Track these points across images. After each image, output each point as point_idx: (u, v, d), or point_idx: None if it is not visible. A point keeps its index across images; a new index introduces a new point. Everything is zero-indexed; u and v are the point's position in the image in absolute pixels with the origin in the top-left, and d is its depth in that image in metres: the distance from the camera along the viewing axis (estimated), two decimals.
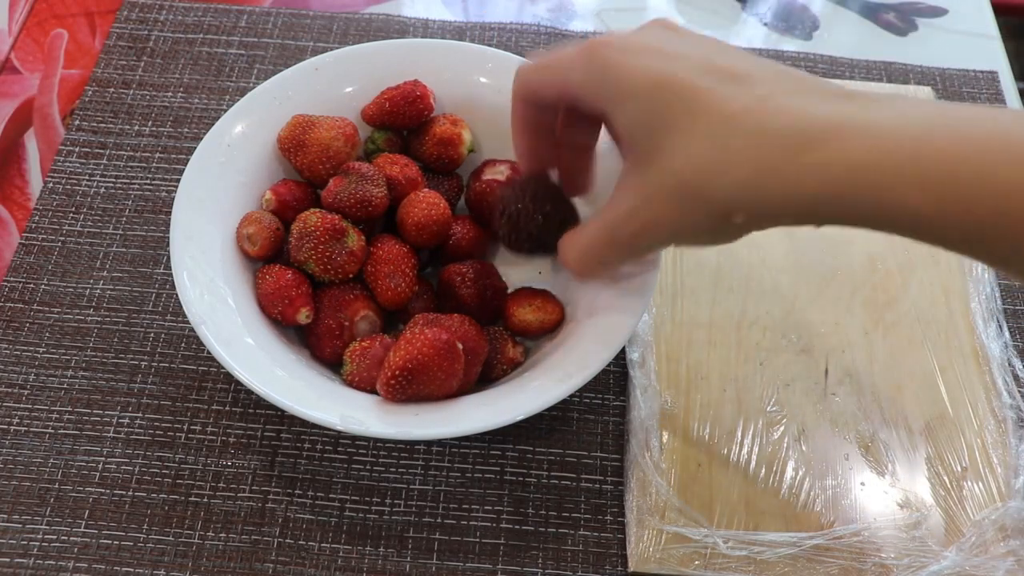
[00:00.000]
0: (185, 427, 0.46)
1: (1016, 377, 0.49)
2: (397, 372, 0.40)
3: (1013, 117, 0.29)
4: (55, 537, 0.43)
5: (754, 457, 0.46)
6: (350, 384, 0.43)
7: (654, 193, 0.33)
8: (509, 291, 0.47)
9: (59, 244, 0.53)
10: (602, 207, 0.36)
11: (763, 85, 0.31)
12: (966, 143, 0.28)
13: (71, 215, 0.54)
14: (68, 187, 0.55)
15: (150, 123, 0.58)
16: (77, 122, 0.58)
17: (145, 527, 0.43)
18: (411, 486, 0.45)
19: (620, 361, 0.49)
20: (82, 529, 0.43)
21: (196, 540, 0.43)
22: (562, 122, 0.41)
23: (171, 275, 0.42)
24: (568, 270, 0.40)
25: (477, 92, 0.51)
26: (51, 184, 0.55)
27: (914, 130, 0.29)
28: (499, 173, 0.48)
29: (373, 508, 0.44)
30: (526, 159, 0.42)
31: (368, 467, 0.46)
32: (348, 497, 0.45)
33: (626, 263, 0.39)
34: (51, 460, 0.45)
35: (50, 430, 0.46)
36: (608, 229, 0.36)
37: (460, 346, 0.41)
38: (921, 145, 0.28)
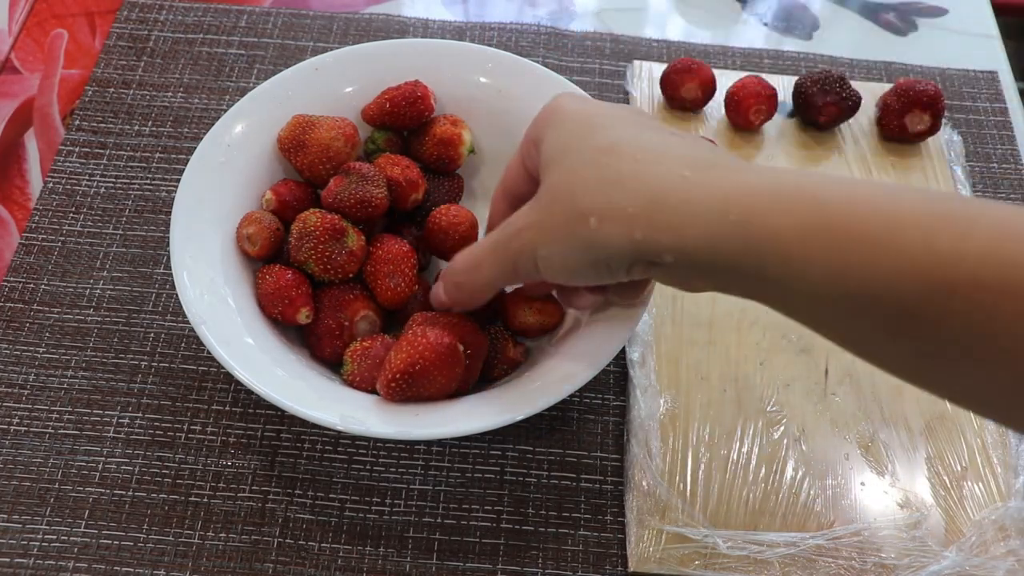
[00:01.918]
0: (185, 427, 0.46)
1: None
2: (398, 374, 0.40)
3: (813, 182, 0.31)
4: (55, 537, 0.43)
5: (754, 457, 0.46)
6: (350, 384, 0.43)
7: (539, 197, 0.36)
8: (508, 290, 0.47)
9: (59, 244, 0.53)
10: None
11: (679, 165, 0.33)
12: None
13: (71, 215, 0.54)
14: (68, 187, 0.55)
15: (150, 123, 0.58)
16: (77, 122, 0.58)
17: (145, 527, 0.43)
18: (411, 486, 0.45)
19: (620, 361, 0.49)
20: (82, 529, 0.43)
21: (196, 540, 0.43)
22: None
23: (171, 275, 0.42)
24: (438, 292, 0.42)
25: (477, 92, 0.51)
26: (51, 184, 0.55)
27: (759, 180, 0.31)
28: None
29: (373, 508, 0.44)
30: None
31: (368, 467, 0.46)
32: (348, 497, 0.45)
33: (494, 282, 0.40)
34: (51, 460, 0.45)
35: (50, 430, 0.46)
36: (493, 235, 0.38)
37: (462, 348, 0.41)
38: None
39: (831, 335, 0.32)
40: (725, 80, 0.59)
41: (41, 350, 0.49)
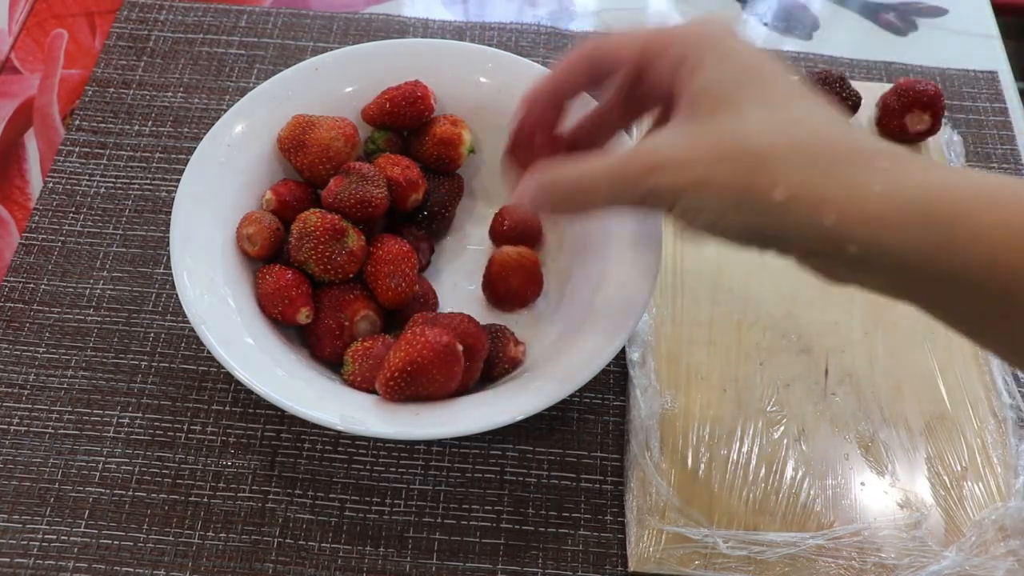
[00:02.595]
0: (185, 427, 0.46)
1: (1016, 377, 0.49)
2: (396, 373, 0.40)
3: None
4: (55, 537, 0.43)
5: (754, 457, 0.46)
6: (351, 384, 0.43)
7: (698, 134, 0.31)
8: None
9: (59, 244, 0.53)
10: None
11: (828, 106, 0.32)
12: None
13: (71, 215, 0.54)
14: (68, 187, 0.55)
15: (150, 123, 0.58)
16: (77, 122, 0.58)
17: (145, 527, 0.43)
18: (411, 486, 0.45)
19: (620, 361, 0.49)
20: (82, 529, 0.43)
21: (196, 540, 0.43)
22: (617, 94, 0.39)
23: (171, 275, 0.42)
24: (528, 191, 0.35)
25: (477, 92, 0.51)
26: (51, 184, 0.55)
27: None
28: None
29: (373, 508, 0.44)
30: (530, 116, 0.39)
31: (368, 467, 0.46)
32: (348, 497, 0.45)
33: (607, 207, 0.35)
34: (51, 460, 0.45)
35: (50, 430, 0.46)
36: (620, 160, 0.33)
37: (460, 348, 0.41)
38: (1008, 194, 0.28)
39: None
40: None
41: (41, 350, 0.49)
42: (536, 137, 0.39)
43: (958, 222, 0.28)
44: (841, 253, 0.29)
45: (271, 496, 0.44)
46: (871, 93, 0.59)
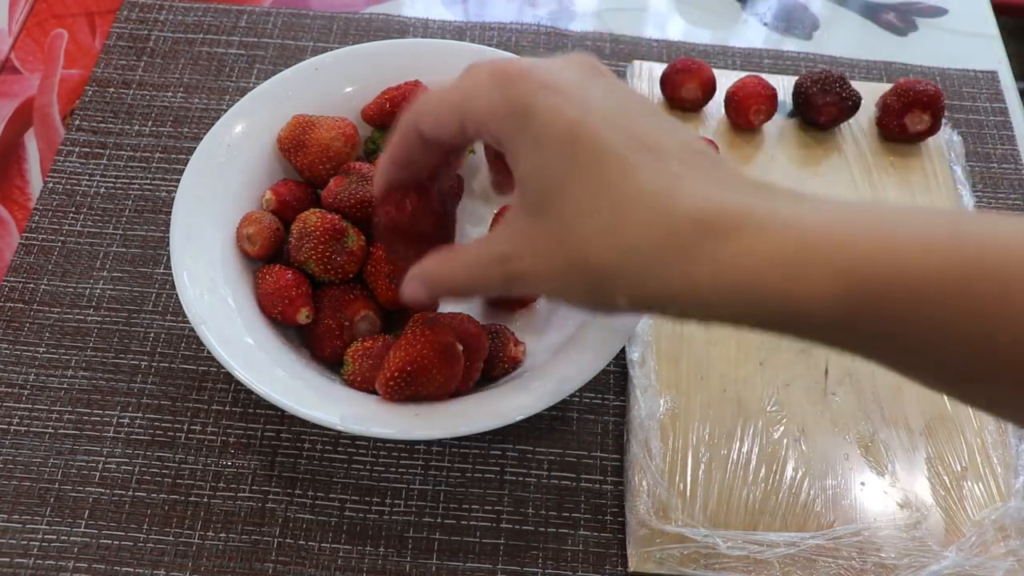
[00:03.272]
0: (185, 427, 0.46)
1: None
2: (396, 373, 0.40)
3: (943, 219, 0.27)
4: (55, 537, 0.43)
5: (754, 457, 0.46)
6: (351, 384, 0.43)
7: (541, 244, 0.31)
8: None
9: (59, 244, 0.53)
10: (481, 237, 0.35)
11: (680, 162, 0.29)
12: (883, 238, 0.26)
13: (71, 215, 0.54)
14: (68, 187, 0.55)
15: (150, 123, 0.58)
16: (77, 122, 0.58)
17: (145, 527, 0.43)
18: (411, 486, 0.45)
19: (620, 361, 0.49)
20: (82, 529, 0.43)
21: (196, 540, 0.43)
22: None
23: (171, 275, 0.42)
24: (414, 285, 0.37)
25: None
26: (51, 184, 0.55)
27: (823, 220, 0.27)
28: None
29: (373, 508, 0.44)
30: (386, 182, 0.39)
31: (368, 467, 0.46)
32: (348, 497, 0.45)
33: (481, 296, 0.36)
34: (51, 460, 0.45)
35: (50, 430, 0.46)
36: (484, 261, 0.33)
37: (460, 348, 0.41)
38: (829, 236, 0.26)
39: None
40: (725, 80, 0.59)
41: (41, 350, 0.49)
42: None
43: (769, 302, 0.27)
44: (709, 323, 0.29)
45: (271, 496, 0.44)
46: (871, 93, 0.59)
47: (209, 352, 0.40)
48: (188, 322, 0.41)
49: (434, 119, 0.34)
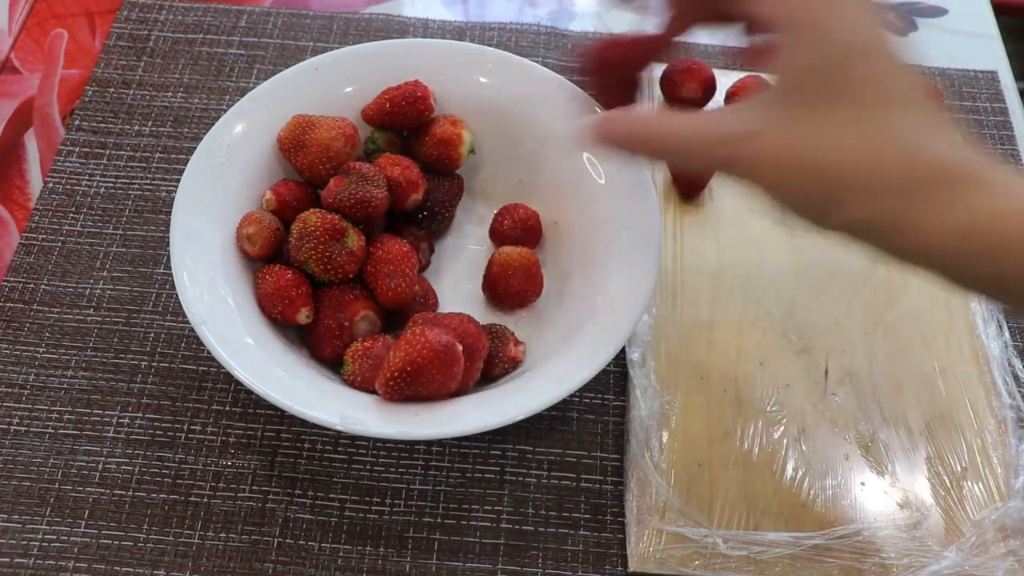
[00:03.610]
0: (185, 427, 0.46)
1: (1016, 377, 0.49)
2: (396, 373, 0.40)
3: None
4: (55, 537, 0.43)
5: (754, 457, 0.46)
6: (351, 384, 0.43)
7: (791, 135, 0.31)
8: None
9: (59, 244, 0.53)
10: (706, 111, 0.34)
11: (930, 112, 0.30)
12: None
13: (71, 215, 0.54)
14: (68, 187, 0.55)
15: (150, 123, 0.58)
16: (77, 122, 0.58)
17: (145, 527, 0.43)
18: (411, 486, 0.45)
19: (620, 361, 0.49)
20: (82, 529, 0.43)
21: (196, 540, 0.43)
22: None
23: (171, 275, 0.42)
24: (621, 127, 0.36)
25: (477, 92, 0.51)
26: (51, 184, 0.55)
27: None
28: None
29: (373, 508, 0.44)
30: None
31: (368, 467, 0.46)
32: (348, 497, 0.45)
33: (678, 163, 0.36)
34: (51, 460, 0.45)
35: (50, 430, 0.46)
36: (714, 132, 0.33)
37: (460, 348, 0.41)
38: None
39: None
40: (725, 80, 0.59)
41: (41, 350, 0.49)
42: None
43: (1002, 251, 0.28)
44: (904, 264, 0.31)
45: (271, 496, 0.44)
46: None
47: (209, 352, 0.40)
48: (188, 322, 0.41)
49: None
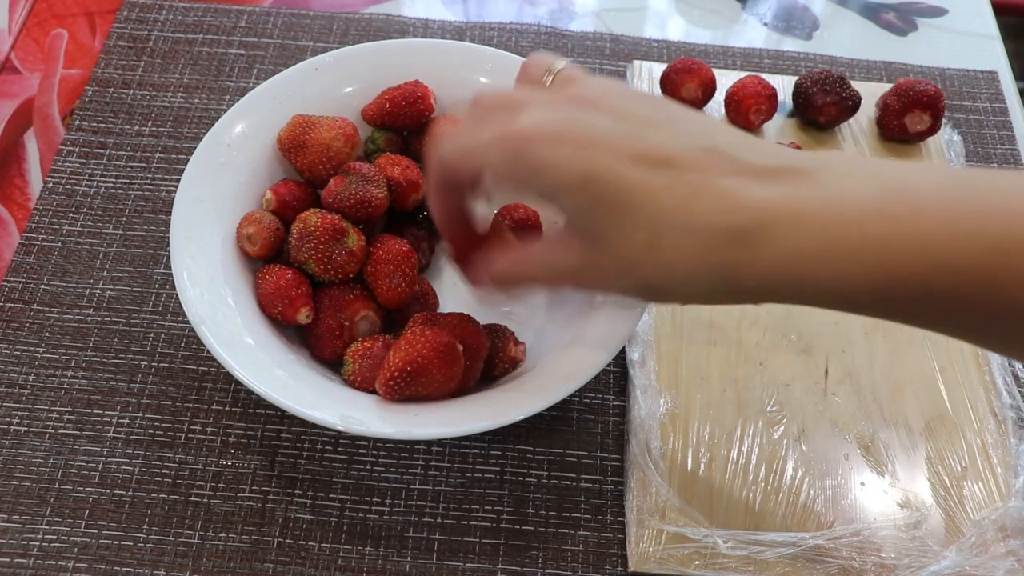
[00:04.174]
0: (185, 427, 0.46)
1: (1016, 377, 0.49)
2: (396, 373, 0.40)
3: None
4: (55, 537, 0.43)
5: (754, 457, 0.46)
6: (351, 384, 0.43)
7: (601, 266, 0.33)
8: None
9: (59, 244, 0.53)
10: (547, 239, 0.37)
11: (693, 170, 0.30)
12: (911, 218, 0.28)
13: (71, 215, 0.54)
14: (68, 187, 0.55)
15: (150, 123, 0.58)
16: (77, 122, 0.58)
17: (145, 527, 0.43)
18: (411, 486, 0.45)
19: (620, 361, 0.49)
20: (82, 529, 0.43)
21: (196, 540, 0.43)
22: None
23: (171, 275, 0.42)
24: (481, 280, 0.39)
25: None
26: (51, 184, 0.55)
27: (852, 210, 0.28)
28: None
29: (373, 508, 0.44)
30: (445, 224, 0.40)
31: (368, 467, 0.46)
32: (348, 497, 0.45)
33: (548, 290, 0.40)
34: (51, 460, 0.45)
35: (50, 430, 0.46)
36: (559, 270, 0.36)
37: (460, 347, 0.41)
38: (861, 226, 0.28)
39: None
40: (725, 80, 0.59)
41: (41, 350, 0.49)
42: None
43: (810, 288, 0.30)
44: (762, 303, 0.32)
45: (271, 496, 0.44)
46: (871, 93, 0.59)
47: (209, 352, 0.40)
48: (188, 322, 0.41)
49: (455, 168, 0.35)
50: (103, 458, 0.45)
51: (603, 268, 0.33)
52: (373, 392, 0.42)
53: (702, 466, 0.45)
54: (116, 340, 0.49)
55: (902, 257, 0.27)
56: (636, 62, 0.62)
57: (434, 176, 0.37)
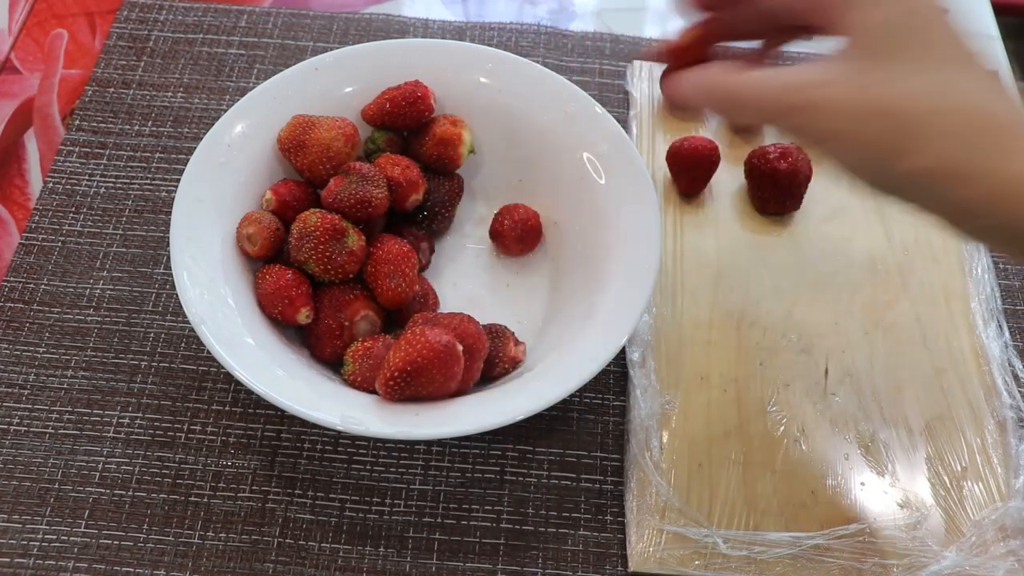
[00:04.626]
0: (185, 427, 0.46)
1: (1016, 377, 0.49)
2: (396, 373, 0.40)
3: None
4: (55, 537, 0.43)
5: (754, 457, 0.46)
6: (351, 384, 0.43)
7: (859, 79, 0.31)
8: None
9: (59, 244, 0.52)
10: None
11: (991, 76, 0.31)
12: None
13: (71, 215, 0.54)
14: (68, 187, 0.55)
15: (150, 123, 0.58)
16: (77, 122, 0.58)
17: (145, 527, 0.43)
18: (411, 486, 0.45)
19: (620, 361, 0.49)
20: (82, 529, 0.43)
21: (196, 540, 0.43)
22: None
23: (171, 275, 0.42)
24: (690, 85, 0.37)
25: (477, 92, 0.51)
26: (51, 184, 0.55)
27: None
28: None
29: (373, 508, 0.44)
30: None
31: (368, 467, 0.46)
32: (348, 497, 0.45)
33: (757, 122, 0.37)
34: (51, 460, 0.45)
35: (50, 430, 0.46)
36: (782, 81, 0.33)
37: (460, 348, 0.41)
38: None
39: None
40: None
41: (41, 350, 0.49)
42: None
43: None
44: (960, 226, 0.31)
45: (271, 496, 0.44)
46: None
47: (209, 352, 0.40)
48: (188, 322, 0.41)
49: None
50: (103, 458, 0.45)
51: (863, 84, 0.31)
52: (373, 392, 0.42)
53: (702, 466, 0.45)
54: (116, 340, 0.49)
55: None
56: (636, 62, 0.62)
57: None
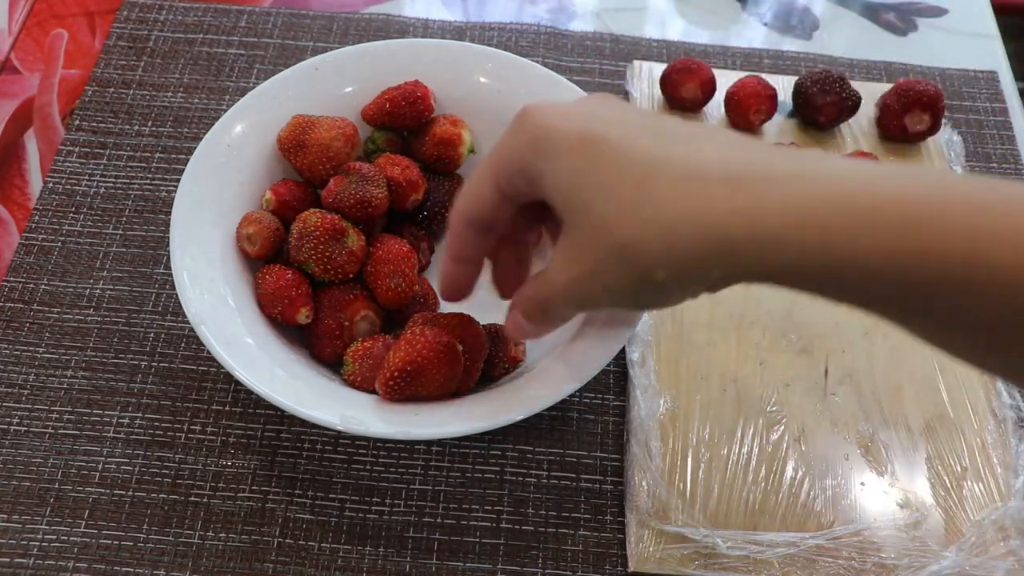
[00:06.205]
0: (185, 427, 0.46)
1: None
2: (396, 373, 0.40)
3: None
4: (55, 537, 0.43)
5: (754, 457, 0.46)
6: (351, 384, 0.43)
7: (581, 249, 0.31)
8: None
9: (59, 244, 0.53)
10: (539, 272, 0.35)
11: (695, 139, 0.30)
12: (926, 195, 0.27)
13: (71, 215, 0.54)
14: (68, 187, 0.55)
15: (150, 123, 0.58)
16: (77, 122, 0.58)
17: (145, 527, 0.43)
18: (411, 486, 0.45)
19: (620, 361, 0.49)
20: (82, 529, 0.43)
21: (196, 540, 0.43)
22: (509, 220, 0.38)
23: (171, 275, 0.42)
24: (525, 327, 0.38)
25: (477, 92, 0.51)
26: (51, 184, 0.55)
27: (860, 178, 0.27)
28: None
29: (373, 508, 0.44)
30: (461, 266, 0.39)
31: (368, 467, 0.46)
32: (348, 497, 0.45)
33: (564, 318, 0.37)
34: (51, 460, 0.45)
35: (50, 430, 0.46)
36: (542, 288, 0.35)
37: (460, 347, 0.41)
38: (871, 192, 0.27)
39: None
40: (725, 80, 0.59)
41: (41, 350, 0.49)
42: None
43: (834, 247, 0.28)
44: (750, 282, 0.31)
45: (271, 496, 0.44)
46: (871, 93, 0.59)
47: (209, 352, 0.40)
48: (188, 322, 0.41)
49: (473, 197, 0.35)
50: (103, 458, 0.45)
51: (583, 251, 0.31)
52: (373, 392, 0.42)
53: (702, 466, 0.45)
54: (116, 340, 0.49)
55: (923, 227, 0.26)
56: (636, 62, 0.62)
57: (454, 227, 0.36)
